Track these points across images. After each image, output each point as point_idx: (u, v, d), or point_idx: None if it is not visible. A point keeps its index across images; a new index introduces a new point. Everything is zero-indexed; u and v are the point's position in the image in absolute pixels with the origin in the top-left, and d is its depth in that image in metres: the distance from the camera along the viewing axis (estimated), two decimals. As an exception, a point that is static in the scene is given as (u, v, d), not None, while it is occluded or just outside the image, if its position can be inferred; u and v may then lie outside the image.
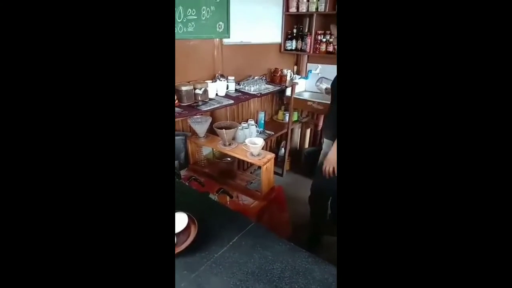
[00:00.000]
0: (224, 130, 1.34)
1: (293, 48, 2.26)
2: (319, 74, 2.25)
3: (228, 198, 1.32)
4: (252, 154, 1.30)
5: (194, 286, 0.58)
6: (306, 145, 2.62)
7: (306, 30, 2.26)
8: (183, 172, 1.50)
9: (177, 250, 0.64)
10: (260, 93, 1.93)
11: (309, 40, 2.14)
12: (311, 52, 2.18)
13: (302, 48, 2.21)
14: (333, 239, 1.62)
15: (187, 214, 0.72)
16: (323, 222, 1.61)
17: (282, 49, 2.31)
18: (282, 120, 2.38)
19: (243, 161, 1.68)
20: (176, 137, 1.62)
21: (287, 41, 2.26)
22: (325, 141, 1.36)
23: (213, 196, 1.23)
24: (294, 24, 2.27)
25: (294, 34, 2.24)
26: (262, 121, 2.26)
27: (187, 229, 0.70)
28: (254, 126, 2.07)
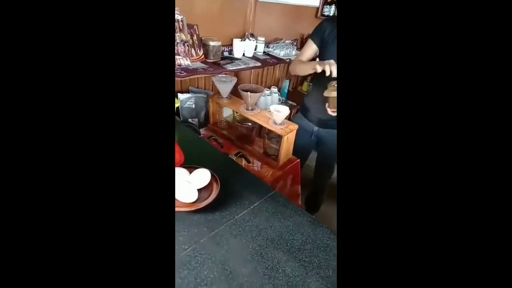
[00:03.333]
0: (249, 93, 1.27)
1: (331, 14, 2.09)
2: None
3: (244, 162, 1.30)
4: (274, 122, 1.25)
5: (213, 244, 0.57)
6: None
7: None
8: (202, 131, 1.48)
9: (198, 206, 0.62)
10: (289, 59, 1.83)
11: (351, 7, 1.96)
12: (350, 21, 2.01)
13: (341, 15, 2.04)
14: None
15: (210, 171, 0.70)
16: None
17: (318, 14, 2.14)
18: (307, 91, 2.28)
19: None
20: (198, 95, 1.57)
21: (325, 6, 2.09)
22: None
23: (232, 158, 1.21)
24: (336, -13, 2.07)
25: (335, -1, 2.06)
26: (286, 90, 2.17)
27: (209, 186, 0.68)
28: (277, 94, 1.99)
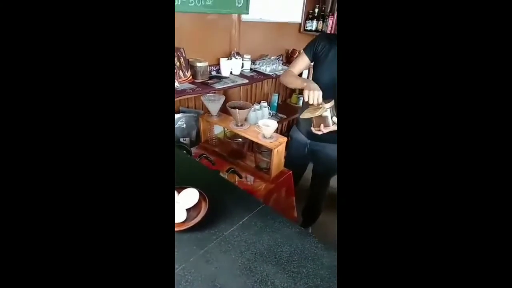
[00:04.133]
0: (237, 109, 1.31)
1: (313, 29, 2.17)
2: (338, 58, 2.16)
3: (237, 178, 1.31)
4: (264, 136, 1.28)
5: (202, 261, 0.58)
6: (318, 131, 2.57)
7: (328, 10, 2.15)
8: (194, 150, 1.50)
9: (187, 225, 0.64)
10: (276, 74, 1.89)
11: (331, 21, 2.05)
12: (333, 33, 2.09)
13: (323, 29, 2.12)
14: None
15: (198, 190, 0.72)
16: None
17: (301, 29, 2.22)
18: (296, 103, 2.34)
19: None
20: (188, 114, 1.60)
21: (307, 21, 2.18)
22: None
23: (223, 175, 1.23)
24: (316, 3, 2.16)
25: (316, 14, 2.14)
26: (275, 104, 2.22)
27: (198, 205, 0.70)
28: (267, 108, 2.03)
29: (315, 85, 1.01)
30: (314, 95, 0.98)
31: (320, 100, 1.00)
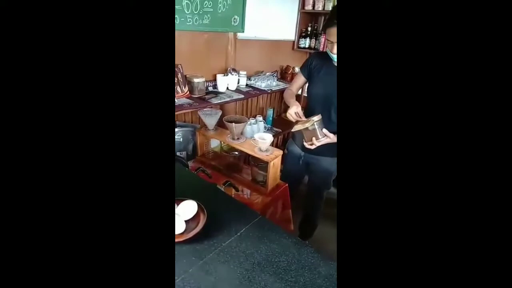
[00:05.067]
0: (233, 123, 1.34)
1: (306, 46, 2.26)
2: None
3: (233, 191, 1.33)
4: (260, 150, 1.30)
5: (202, 272, 0.59)
6: (313, 145, 2.61)
7: (321, 28, 2.25)
8: (190, 163, 1.51)
9: (186, 237, 0.65)
10: (271, 90, 1.94)
11: (323, 39, 2.14)
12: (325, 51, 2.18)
13: (316, 46, 2.21)
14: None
15: (196, 202, 0.73)
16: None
17: (295, 47, 2.31)
18: (291, 118, 2.38)
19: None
20: (185, 129, 1.63)
21: (300, 39, 2.26)
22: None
23: (220, 188, 1.24)
24: (309, 22, 2.26)
25: (309, 32, 2.23)
26: (271, 118, 2.26)
27: (196, 216, 0.71)
28: (262, 122, 2.07)
29: (293, 103, 1.17)
30: (291, 112, 1.13)
31: (300, 112, 1.12)
